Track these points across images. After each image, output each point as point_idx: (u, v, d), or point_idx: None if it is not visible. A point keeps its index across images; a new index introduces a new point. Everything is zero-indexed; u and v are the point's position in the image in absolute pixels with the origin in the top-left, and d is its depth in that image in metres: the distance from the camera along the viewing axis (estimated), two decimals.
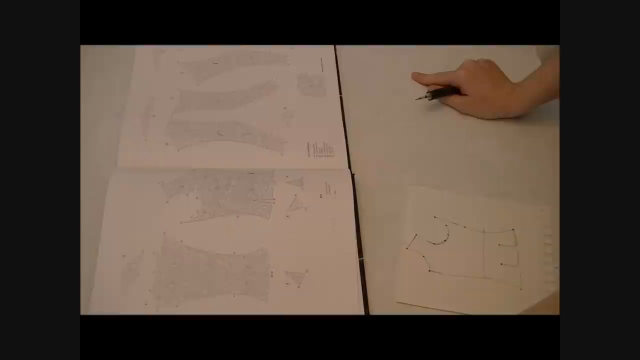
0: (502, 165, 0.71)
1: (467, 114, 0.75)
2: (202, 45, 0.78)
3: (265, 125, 0.71)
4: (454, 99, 0.75)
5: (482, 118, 0.75)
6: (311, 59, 0.79)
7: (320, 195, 0.63)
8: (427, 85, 0.77)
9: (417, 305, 0.59)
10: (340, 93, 0.76)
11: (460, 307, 0.59)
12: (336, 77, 0.78)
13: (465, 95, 0.74)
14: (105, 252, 0.58)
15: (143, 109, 0.71)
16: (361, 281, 0.59)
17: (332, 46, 0.81)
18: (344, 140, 0.71)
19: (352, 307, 0.57)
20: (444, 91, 0.75)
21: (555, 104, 0.73)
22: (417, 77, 0.78)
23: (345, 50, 0.81)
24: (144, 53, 0.77)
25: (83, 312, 0.54)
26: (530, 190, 0.68)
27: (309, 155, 0.68)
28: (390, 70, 0.80)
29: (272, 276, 0.58)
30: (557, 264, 0.62)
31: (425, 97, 0.73)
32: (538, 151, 0.72)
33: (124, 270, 0.57)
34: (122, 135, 0.68)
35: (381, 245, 0.62)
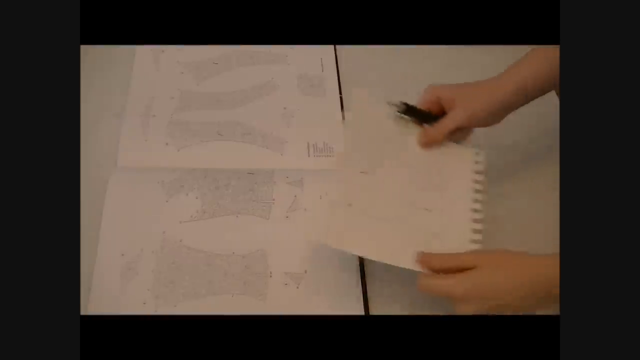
0: (502, 165, 0.71)
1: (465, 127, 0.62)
2: (202, 45, 0.78)
3: (265, 125, 0.71)
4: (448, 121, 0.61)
5: (480, 122, 0.62)
6: (311, 59, 0.79)
7: (320, 196, 0.63)
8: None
9: (331, 247, 0.53)
10: (340, 93, 0.76)
11: (374, 252, 0.53)
12: (336, 77, 0.78)
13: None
14: (104, 251, 0.58)
15: (143, 109, 0.71)
16: (361, 281, 0.58)
17: (332, 46, 0.81)
18: (344, 139, 0.71)
19: (352, 307, 0.57)
20: (420, 112, 0.61)
21: (555, 103, 0.73)
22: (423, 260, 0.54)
23: (345, 50, 0.81)
24: (144, 53, 0.77)
25: (82, 310, 0.54)
26: (530, 190, 0.68)
27: (309, 155, 0.68)
28: (390, 70, 0.80)
29: (271, 276, 0.58)
30: (482, 215, 0.58)
31: (396, 106, 0.61)
32: (538, 151, 0.72)
33: (123, 269, 0.57)
34: (122, 135, 0.68)
35: None
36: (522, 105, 0.62)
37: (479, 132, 0.62)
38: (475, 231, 0.57)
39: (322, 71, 0.78)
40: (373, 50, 0.81)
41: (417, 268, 0.52)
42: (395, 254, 0.53)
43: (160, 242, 0.59)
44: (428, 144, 0.61)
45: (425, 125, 0.62)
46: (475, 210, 0.58)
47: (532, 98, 0.62)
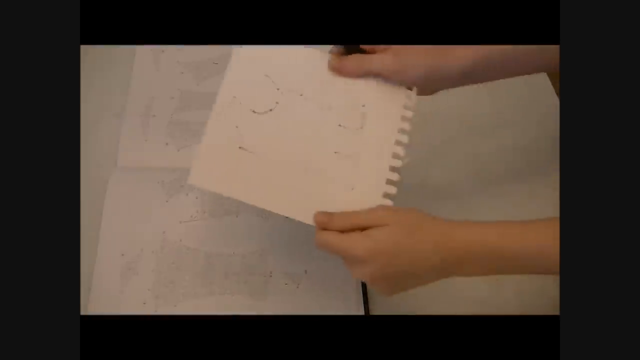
0: (502, 165, 0.71)
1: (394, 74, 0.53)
2: (202, 45, 0.78)
3: None
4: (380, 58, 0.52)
5: (413, 78, 0.53)
6: None
7: None
8: None
9: (213, 192, 0.49)
10: None
11: (265, 202, 0.48)
12: None
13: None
14: (104, 251, 0.58)
15: (143, 109, 0.71)
16: (361, 281, 0.59)
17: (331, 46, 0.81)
18: None
19: (352, 307, 0.57)
20: (353, 47, 0.54)
21: (555, 103, 0.73)
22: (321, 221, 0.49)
23: None
24: (144, 53, 0.77)
25: (82, 310, 0.54)
26: (530, 190, 0.68)
27: None
28: None
29: (271, 276, 0.58)
30: (407, 158, 0.51)
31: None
32: (538, 151, 0.72)
33: (123, 269, 0.57)
34: (122, 135, 0.68)
35: None
36: (476, 82, 0.54)
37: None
38: (390, 182, 0.50)
39: None
40: None
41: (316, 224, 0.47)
42: (293, 205, 0.48)
43: (160, 242, 0.59)
44: (339, 70, 0.52)
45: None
46: (395, 156, 0.50)
47: (494, 78, 0.55)
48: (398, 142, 0.51)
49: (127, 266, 0.57)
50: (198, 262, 0.58)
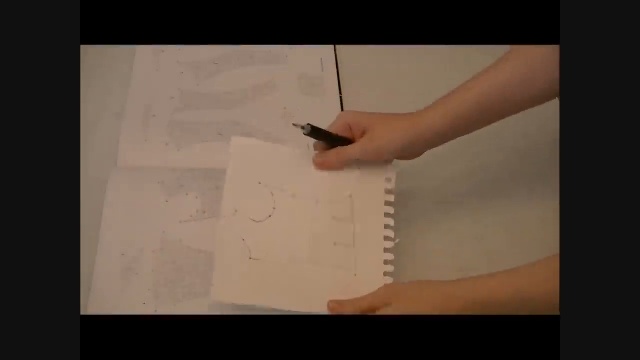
0: (502, 166, 0.71)
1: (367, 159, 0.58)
2: (202, 45, 0.78)
3: (265, 125, 0.71)
4: (351, 149, 0.57)
5: (385, 155, 0.57)
6: (311, 59, 0.79)
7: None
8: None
9: (238, 305, 0.53)
10: (340, 93, 0.76)
11: (287, 302, 0.52)
12: (336, 77, 0.78)
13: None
14: (104, 251, 0.58)
15: (143, 109, 0.71)
16: None
17: (332, 46, 0.81)
18: None
19: None
20: (328, 135, 0.57)
21: (555, 103, 0.72)
22: (334, 309, 0.54)
23: (345, 50, 0.81)
24: (144, 53, 0.77)
25: (81, 310, 0.54)
26: (530, 190, 0.68)
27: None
28: (390, 70, 0.80)
29: None
30: (397, 239, 0.57)
31: (302, 128, 0.55)
32: (538, 152, 0.72)
33: (123, 269, 0.57)
34: (122, 135, 0.68)
35: None
36: (450, 140, 0.58)
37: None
38: (387, 262, 0.56)
39: (322, 71, 0.78)
40: (373, 50, 0.81)
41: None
42: (305, 300, 0.53)
43: (160, 242, 0.59)
44: (322, 166, 0.57)
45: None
46: (387, 238, 0.56)
47: (467, 132, 0.58)
48: (387, 226, 0.57)
49: (127, 266, 0.57)
50: (198, 262, 0.58)
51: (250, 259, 0.53)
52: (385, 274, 0.55)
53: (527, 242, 0.64)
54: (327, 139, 0.57)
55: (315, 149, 0.59)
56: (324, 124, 0.72)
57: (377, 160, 0.58)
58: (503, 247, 0.64)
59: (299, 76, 0.77)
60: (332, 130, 0.57)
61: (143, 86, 0.73)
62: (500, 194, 0.68)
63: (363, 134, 0.57)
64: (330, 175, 0.57)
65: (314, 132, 0.56)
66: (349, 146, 0.57)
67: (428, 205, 0.67)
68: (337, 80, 0.77)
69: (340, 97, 0.75)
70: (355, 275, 0.54)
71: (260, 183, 0.55)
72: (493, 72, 0.56)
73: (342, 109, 0.74)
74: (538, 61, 0.54)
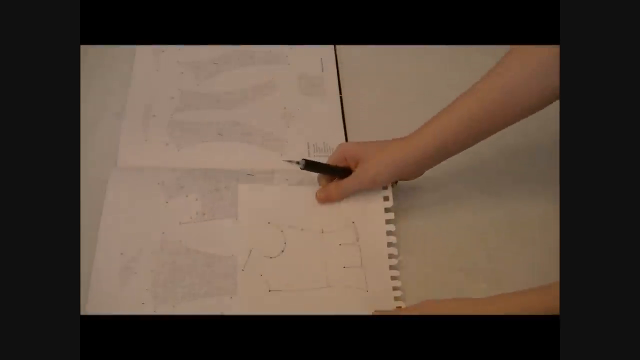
0: (502, 165, 0.71)
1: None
2: (202, 45, 0.78)
3: (265, 125, 0.71)
4: (346, 182, 0.60)
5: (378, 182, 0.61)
6: (311, 59, 0.79)
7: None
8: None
9: None
10: (340, 93, 0.76)
11: None
12: (336, 77, 0.78)
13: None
14: (103, 251, 0.58)
15: (143, 109, 0.71)
16: None
17: (332, 46, 0.81)
18: (344, 140, 0.71)
19: None
20: (324, 167, 0.61)
21: (555, 103, 0.72)
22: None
23: (345, 50, 0.81)
24: (144, 53, 0.77)
25: (80, 309, 0.54)
26: (530, 190, 0.68)
27: (309, 156, 0.68)
28: (390, 70, 0.80)
29: None
30: (400, 256, 0.60)
31: (297, 163, 0.58)
32: (538, 151, 0.72)
33: (121, 269, 0.57)
34: (122, 135, 0.68)
35: None
36: (446, 158, 0.60)
37: None
38: (394, 278, 0.59)
39: (322, 71, 0.78)
40: (373, 50, 0.81)
41: None
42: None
43: (159, 243, 0.59)
44: (324, 201, 0.61)
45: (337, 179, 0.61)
46: (391, 256, 0.59)
47: (459, 150, 0.60)
48: (390, 244, 0.60)
49: (126, 266, 0.57)
50: (197, 263, 0.58)
51: (269, 291, 0.56)
52: (395, 299, 0.58)
53: (527, 241, 0.64)
54: (324, 171, 0.61)
55: (320, 183, 0.62)
56: (324, 124, 0.72)
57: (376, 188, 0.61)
58: (503, 247, 0.64)
59: (299, 76, 0.77)
60: (331, 161, 0.61)
61: (143, 86, 0.73)
62: (500, 193, 0.68)
63: (357, 164, 0.60)
64: (333, 205, 0.61)
65: (309, 165, 0.59)
66: (347, 180, 0.60)
67: (427, 204, 0.67)
68: (337, 80, 0.77)
69: (340, 97, 0.75)
70: (367, 291, 0.57)
71: (269, 223, 0.60)
72: (479, 93, 0.57)
73: (342, 109, 0.74)
74: (519, 84, 0.56)
